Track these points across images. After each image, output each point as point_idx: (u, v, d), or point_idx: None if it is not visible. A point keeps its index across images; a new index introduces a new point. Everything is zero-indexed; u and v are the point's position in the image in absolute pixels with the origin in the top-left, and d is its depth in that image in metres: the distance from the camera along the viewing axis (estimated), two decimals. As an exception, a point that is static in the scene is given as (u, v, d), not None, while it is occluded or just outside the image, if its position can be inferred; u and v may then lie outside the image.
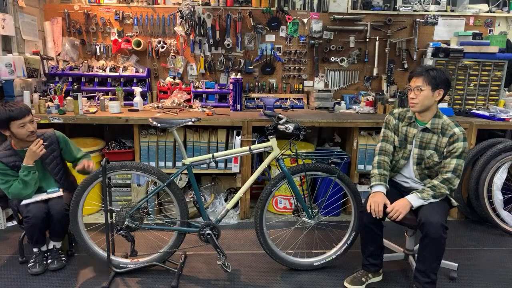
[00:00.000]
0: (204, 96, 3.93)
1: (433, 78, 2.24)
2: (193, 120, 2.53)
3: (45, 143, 2.51)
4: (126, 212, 2.43)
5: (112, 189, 2.55)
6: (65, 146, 2.67)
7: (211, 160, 2.50)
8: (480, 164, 3.24)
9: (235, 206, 3.34)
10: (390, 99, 3.78)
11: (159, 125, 2.46)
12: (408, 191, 2.39)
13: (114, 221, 2.46)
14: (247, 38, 3.99)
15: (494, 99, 3.79)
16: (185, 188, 3.41)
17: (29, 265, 2.53)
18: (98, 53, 3.95)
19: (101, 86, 3.84)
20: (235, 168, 3.37)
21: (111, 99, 3.65)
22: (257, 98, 3.93)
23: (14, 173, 2.48)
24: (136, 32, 3.93)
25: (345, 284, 2.44)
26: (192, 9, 3.80)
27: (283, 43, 4.03)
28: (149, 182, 3.33)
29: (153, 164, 3.34)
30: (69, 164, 2.78)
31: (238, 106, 3.69)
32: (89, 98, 3.71)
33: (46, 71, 3.70)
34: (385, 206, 2.25)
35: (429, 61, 3.78)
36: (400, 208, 2.21)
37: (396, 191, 2.46)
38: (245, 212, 3.45)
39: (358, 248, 2.50)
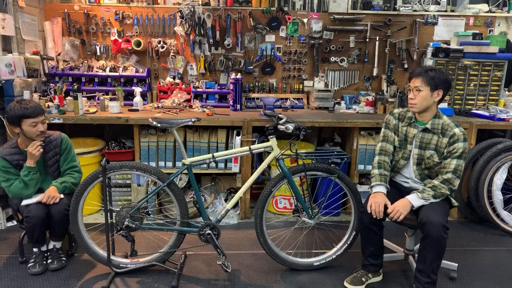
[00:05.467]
0: (204, 96, 3.93)
1: (432, 78, 2.24)
2: (193, 120, 2.53)
3: (43, 144, 2.51)
4: (126, 212, 2.43)
5: (112, 189, 2.55)
6: (64, 152, 2.64)
7: (211, 160, 2.50)
8: (480, 164, 3.24)
9: (235, 206, 3.34)
10: (390, 99, 3.78)
11: (159, 125, 2.46)
12: (408, 191, 2.39)
13: (114, 221, 2.46)
14: (247, 38, 3.99)
15: (494, 99, 3.79)
16: (185, 188, 3.41)
17: (29, 265, 2.53)
18: (98, 53, 3.95)
19: (101, 86, 3.84)
20: (235, 168, 3.37)
21: (111, 99, 3.65)
22: (257, 98, 3.93)
23: (16, 171, 2.49)
24: (136, 32, 3.93)
25: (345, 284, 2.44)
26: (192, 9, 3.80)
27: (283, 43, 4.04)
28: (149, 182, 3.32)
29: (153, 164, 3.34)
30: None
31: (238, 106, 3.69)
32: (89, 98, 3.71)
33: (46, 71, 3.70)
34: (385, 207, 2.25)
35: (429, 61, 3.78)
36: (400, 208, 2.21)
37: (396, 191, 2.46)
38: (245, 212, 3.45)
39: (358, 248, 2.50)
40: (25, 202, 2.49)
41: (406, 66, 4.01)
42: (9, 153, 2.50)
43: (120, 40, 3.89)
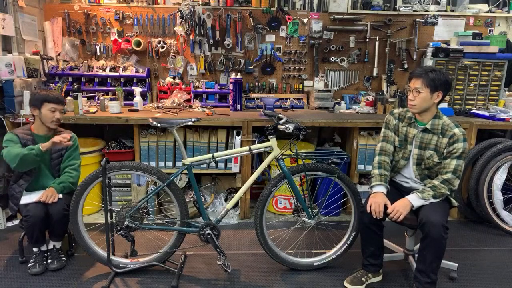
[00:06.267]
0: (204, 96, 3.93)
1: (432, 80, 2.23)
2: (193, 120, 2.53)
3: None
4: (126, 212, 2.43)
5: (112, 189, 2.55)
6: (71, 148, 2.68)
7: (211, 160, 2.50)
8: (480, 164, 3.24)
9: (235, 206, 3.34)
10: (390, 99, 3.78)
11: (159, 125, 2.46)
12: (408, 191, 2.39)
13: (114, 221, 2.46)
14: (247, 38, 3.99)
15: (494, 99, 3.79)
16: (185, 188, 3.41)
17: (29, 265, 2.53)
18: (98, 53, 3.95)
19: (101, 86, 3.84)
20: (235, 168, 3.37)
21: (111, 99, 3.65)
22: (257, 98, 3.93)
23: (20, 147, 2.52)
24: (136, 32, 3.93)
25: (345, 284, 2.44)
26: (192, 9, 3.80)
27: (283, 43, 4.04)
28: (149, 182, 3.32)
29: (153, 164, 3.34)
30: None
31: (238, 106, 3.69)
32: (89, 98, 3.71)
33: (46, 71, 3.70)
34: (385, 206, 2.25)
35: (429, 61, 3.78)
36: (400, 208, 2.21)
37: (396, 191, 2.46)
38: (245, 212, 3.45)
39: (358, 248, 2.50)
40: (24, 201, 2.51)
41: (406, 66, 4.01)
42: (21, 133, 2.61)
43: (120, 40, 3.89)
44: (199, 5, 3.85)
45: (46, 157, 2.57)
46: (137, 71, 3.88)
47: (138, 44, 3.86)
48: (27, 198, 2.52)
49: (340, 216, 3.59)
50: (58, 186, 2.56)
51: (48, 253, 2.59)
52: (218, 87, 3.96)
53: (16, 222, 3.18)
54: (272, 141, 2.53)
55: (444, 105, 3.58)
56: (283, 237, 2.85)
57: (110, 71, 3.83)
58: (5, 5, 3.21)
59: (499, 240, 3.15)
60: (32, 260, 2.55)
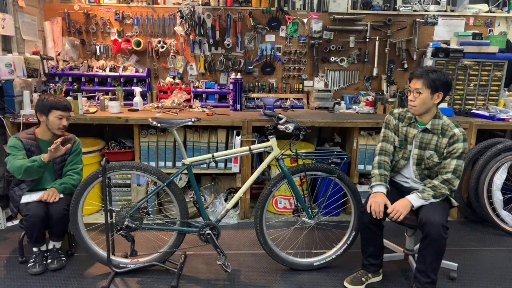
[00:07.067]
0: (204, 96, 3.93)
1: (433, 81, 2.23)
2: (193, 120, 2.53)
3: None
4: (126, 212, 2.43)
5: (112, 189, 2.55)
6: (73, 153, 2.69)
7: (211, 160, 2.50)
8: (480, 164, 3.24)
9: (235, 206, 3.34)
10: (390, 99, 3.78)
11: (159, 125, 2.46)
12: (408, 191, 2.39)
13: (114, 221, 2.46)
14: (247, 38, 3.99)
15: (494, 99, 3.80)
16: (185, 188, 3.41)
17: (29, 265, 2.53)
18: (98, 53, 3.95)
19: (101, 86, 3.84)
20: (235, 168, 3.37)
21: (111, 99, 3.65)
22: (257, 98, 3.93)
23: (24, 155, 2.53)
24: (136, 32, 3.93)
25: (345, 284, 2.44)
26: (192, 9, 3.80)
27: (283, 43, 4.04)
28: (149, 182, 3.32)
29: (153, 164, 3.34)
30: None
31: (238, 106, 3.69)
32: (89, 98, 3.71)
33: (46, 71, 3.70)
34: (385, 206, 2.25)
35: (429, 61, 3.78)
36: (400, 208, 2.21)
37: (396, 191, 2.46)
38: (245, 212, 3.45)
39: (358, 248, 2.50)
40: (24, 200, 2.51)
41: (406, 66, 4.01)
42: (25, 137, 2.60)
43: (120, 40, 3.89)
44: (199, 5, 3.85)
45: (49, 164, 2.57)
46: (137, 71, 3.88)
47: (138, 44, 3.86)
48: (28, 198, 2.52)
49: (340, 216, 3.59)
50: (59, 187, 2.56)
51: (48, 253, 2.59)
52: (218, 87, 3.96)
53: (16, 222, 3.18)
54: (272, 141, 2.53)
55: (444, 105, 3.57)
56: (283, 237, 2.84)
57: (110, 71, 3.83)
58: (5, 5, 3.21)
59: (499, 240, 3.15)
60: (32, 260, 2.54)
